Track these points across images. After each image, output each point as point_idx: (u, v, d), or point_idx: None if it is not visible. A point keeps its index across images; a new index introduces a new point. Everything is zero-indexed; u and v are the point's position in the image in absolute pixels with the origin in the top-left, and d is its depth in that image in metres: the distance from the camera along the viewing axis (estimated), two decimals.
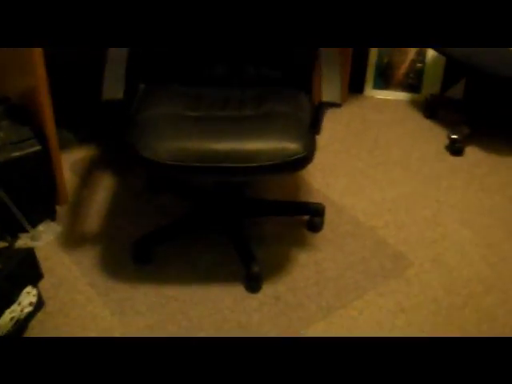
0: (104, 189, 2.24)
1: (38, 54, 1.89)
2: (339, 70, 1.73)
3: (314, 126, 1.76)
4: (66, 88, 2.36)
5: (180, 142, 1.66)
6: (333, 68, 1.74)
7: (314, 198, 2.22)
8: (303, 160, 1.66)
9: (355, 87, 2.86)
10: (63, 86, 2.28)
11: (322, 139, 2.54)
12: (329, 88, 1.67)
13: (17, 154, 1.91)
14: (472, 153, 2.51)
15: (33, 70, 1.93)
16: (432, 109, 2.72)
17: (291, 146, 1.65)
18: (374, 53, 2.82)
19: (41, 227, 2.02)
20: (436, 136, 2.60)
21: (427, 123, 2.69)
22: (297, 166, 1.68)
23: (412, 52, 2.80)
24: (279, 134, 1.68)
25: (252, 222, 2.09)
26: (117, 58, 1.75)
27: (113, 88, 1.65)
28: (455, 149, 2.48)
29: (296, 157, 1.64)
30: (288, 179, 2.32)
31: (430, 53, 2.77)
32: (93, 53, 2.13)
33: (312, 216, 2.09)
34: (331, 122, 2.66)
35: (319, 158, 2.44)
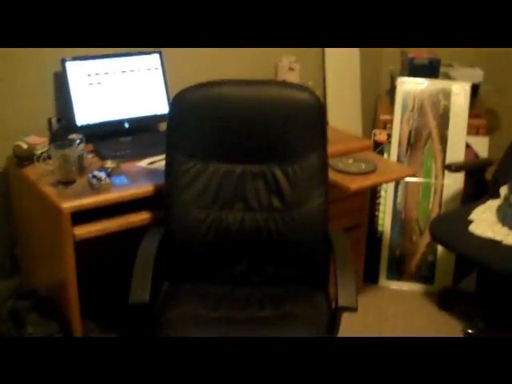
0: None
1: (68, 248, 1.99)
2: (353, 273, 1.84)
3: (332, 328, 1.83)
4: (92, 278, 2.47)
5: None
6: (347, 271, 1.84)
7: None
8: None
9: (370, 278, 2.94)
10: (89, 275, 2.38)
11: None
12: (344, 293, 1.77)
13: None
14: None
15: (62, 263, 2.04)
16: (445, 301, 2.78)
17: None
18: (385, 245, 2.95)
19: None
20: (451, 329, 2.62)
21: (442, 315, 2.73)
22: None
23: (423, 245, 2.93)
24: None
25: None
26: (145, 257, 1.87)
27: (139, 291, 1.75)
28: None
29: None
30: None
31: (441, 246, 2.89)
32: (120, 245, 2.26)
33: None
34: (347, 314, 2.70)
35: None
